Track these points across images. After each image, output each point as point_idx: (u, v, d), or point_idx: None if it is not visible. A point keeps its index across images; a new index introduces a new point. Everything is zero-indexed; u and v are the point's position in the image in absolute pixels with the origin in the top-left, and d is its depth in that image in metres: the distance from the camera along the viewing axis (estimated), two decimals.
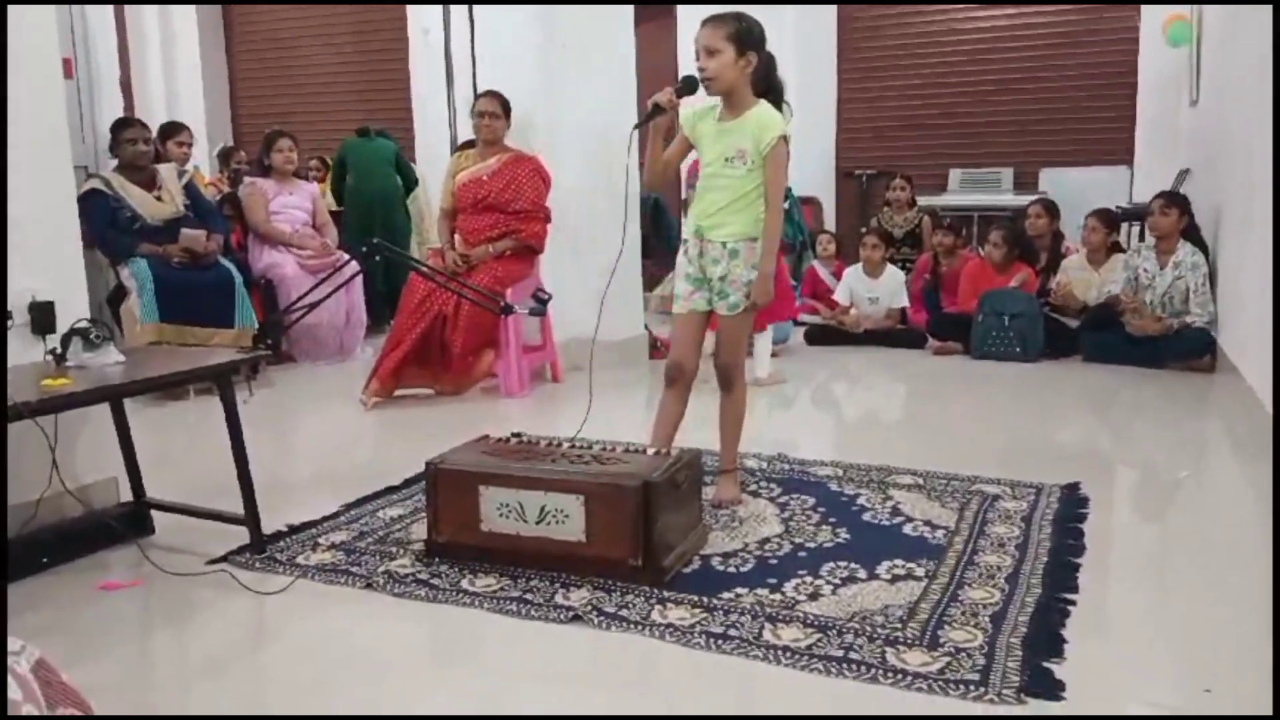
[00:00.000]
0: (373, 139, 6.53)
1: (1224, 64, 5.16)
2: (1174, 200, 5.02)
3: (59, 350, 2.51)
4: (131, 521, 2.74)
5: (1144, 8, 7.15)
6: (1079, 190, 6.73)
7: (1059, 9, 7.56)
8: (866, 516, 2.83)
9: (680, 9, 7.07)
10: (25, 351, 2.60)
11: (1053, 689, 1.88)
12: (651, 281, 6.57)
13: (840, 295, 5.92)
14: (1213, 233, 5.09)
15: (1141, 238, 5.21)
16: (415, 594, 2.36)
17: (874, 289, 5.82)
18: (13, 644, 1.03)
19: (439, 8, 7.86)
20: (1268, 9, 3.76)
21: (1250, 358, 4.20)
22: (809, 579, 2.40)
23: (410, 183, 6.64)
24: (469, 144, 4.89)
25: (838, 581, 2.38)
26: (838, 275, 6.31)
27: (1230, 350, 4.62)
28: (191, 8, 9.36)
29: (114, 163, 4.76)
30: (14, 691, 0.98)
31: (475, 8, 5.06)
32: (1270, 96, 3.37)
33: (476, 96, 4.70)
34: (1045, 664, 1.97)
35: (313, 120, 8.82)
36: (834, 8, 8.22)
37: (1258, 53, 4.03)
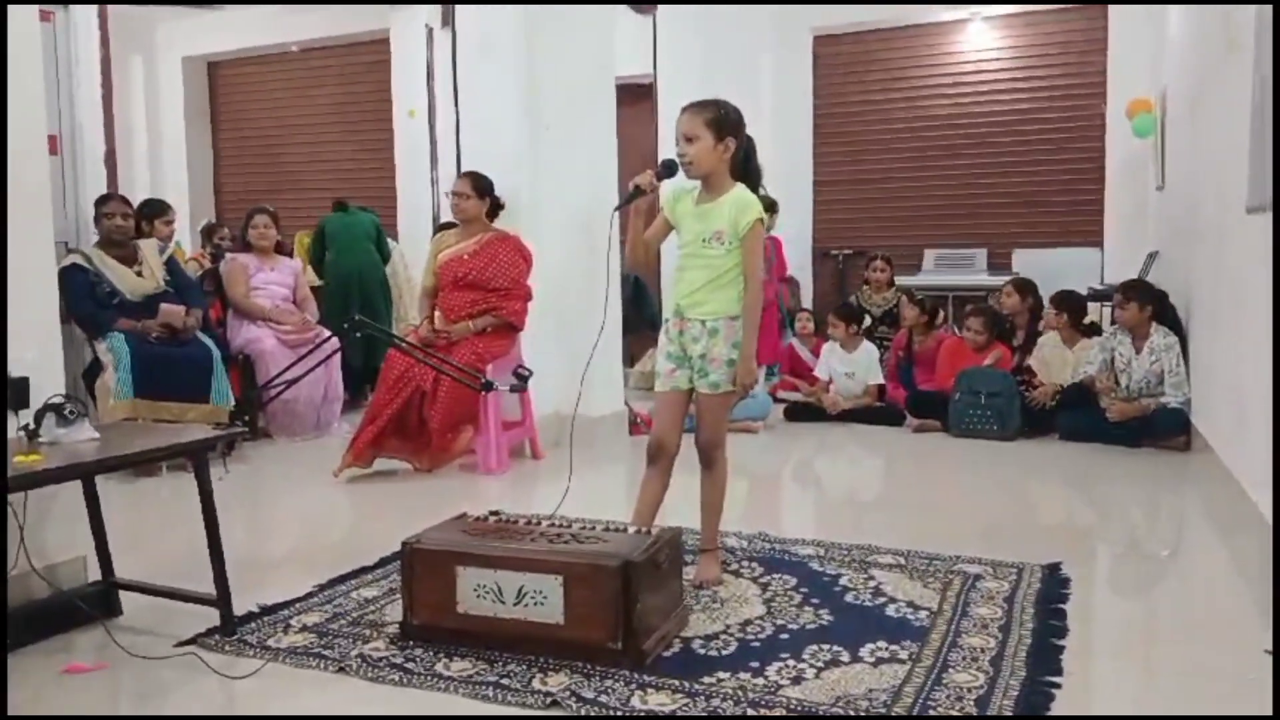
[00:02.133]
0: (351, 213, 6.57)
1: (1188, 151, 5.32)
2: (1132, 294, 5.06)
3: (32, 426, 2.47)
4: (99, 602, 2.68)
5: (1110, 97, 7.39)
6: (1051, 271, 6.85)
7: (1029, 93, 7.80)
8: (849, 597, 2.80)
9: (660, 93, 7.23)
10: None
11: None
12: (632, 358, 6.60)
13: (820, 371, 5.96)
14: (1184, 313, 5.18)
15: (1113, 321, 5.28)
16: (389, 678, 2.31)
17: (849, 364, 5.87)
18: None
19: (424, 88, 8.02)
20: (1229, 93, 3.90)
21: (1225, 437, 4.25)
22: (792, 662, 2.36)
23: (384, 255, 6.64)
24: (450, 225, 4.94)
25: (820, 664, 2.35)
26: (816, 353, 6.37)
27: (1205, 429, 4.66)
28: (179, 85, 9.49)
29: (95, 238, 4.76)
30: None
31: (460, 88, 5.16)
32: (1246, 178, 3.47)
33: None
34: None
35: (297, 198, 8.90)
36: (810, 94, 8.44)
37: (1219, 139, 4.16)
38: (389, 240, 6.87)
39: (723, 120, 2.80)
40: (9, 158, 2.65)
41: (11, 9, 2.68)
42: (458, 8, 5.16)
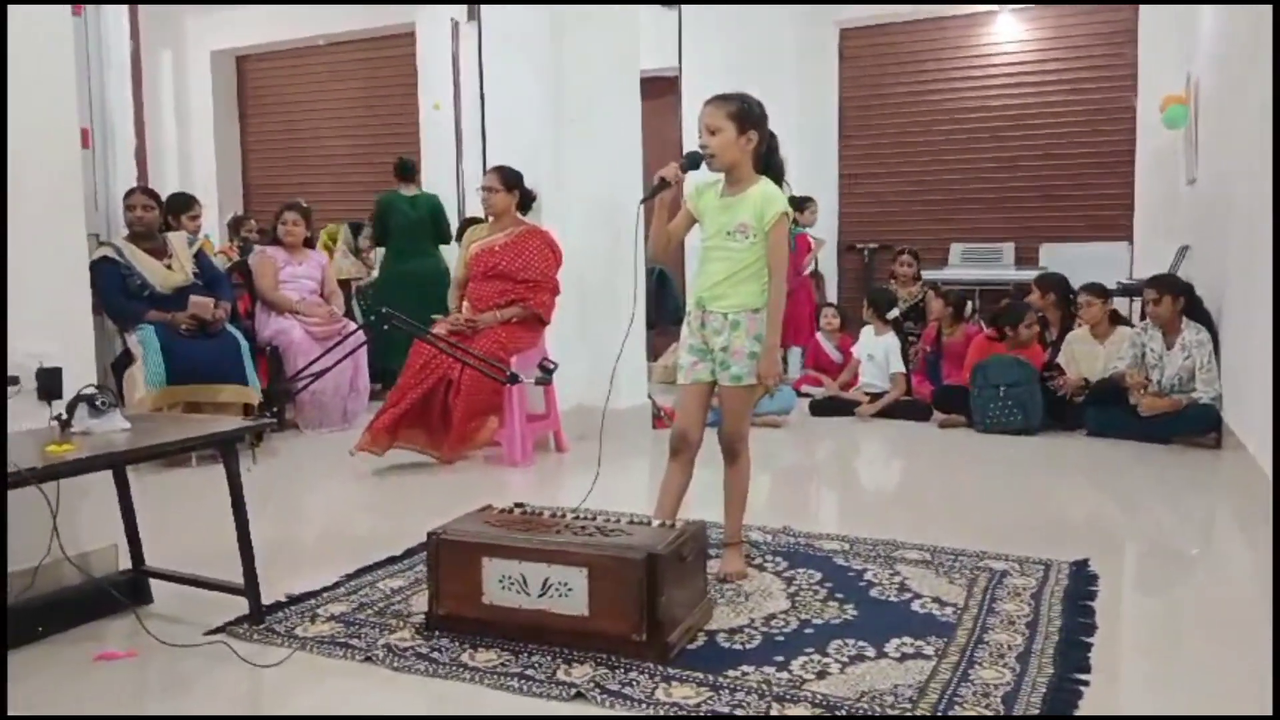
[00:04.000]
0: (415, 196, 6.44)
1: (1221, 144, 5.24)
2: (1164, 287, 5.01)
3: (64, 416, 2.51)
4: (130, 590, 2.71)
5: (1140, 90, 7.30)
6: (1079, 265, 6.78)
7: (1058, 85, 7.71)
8: (874, 592, 2.79)
9: (685, 87, 7.21)
10: (31, 417, 2.59)
11: None
12: (655, 352, 6.60)
13: (855, 350, 6.12)
14: (1216, 308, 5.11)
15: (1143, 316, 5.22)
16: (415, 668, 2.32)
17: (873, 347, 5.91)
18: None
19: (449, 82, 8.05)
20: (1261, 85, 3.84)
21: (1256, 434, 4.19)
22: (816, 657, 2.35)
23: (444, 238, 6.49)
24: (474, 220, 4.95)
25: (845, 659, 2.34)
26: (841, 348, 6.37)
27: (1236, 426, 4.60)
28: (207, 79, 9.58)
29: (126, 230, 4.82)
30: None
31: (486, 81, 5.17)
32: (1270, 175, 3.42)
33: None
34: None
35: (324, 190, 8.96)
36: (835, 88, 8.39)
37: (1252, 132, 4.10)
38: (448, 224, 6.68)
39: (745, 113, 2.80)
40: (42, 150, 2.69)
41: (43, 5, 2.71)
42: (483, 1, 5.17)
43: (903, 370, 5.87)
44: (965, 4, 7.87)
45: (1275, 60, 2.98)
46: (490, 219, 4.78)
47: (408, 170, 6.64)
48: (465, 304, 4.69)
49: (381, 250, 6.70)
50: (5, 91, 2.53)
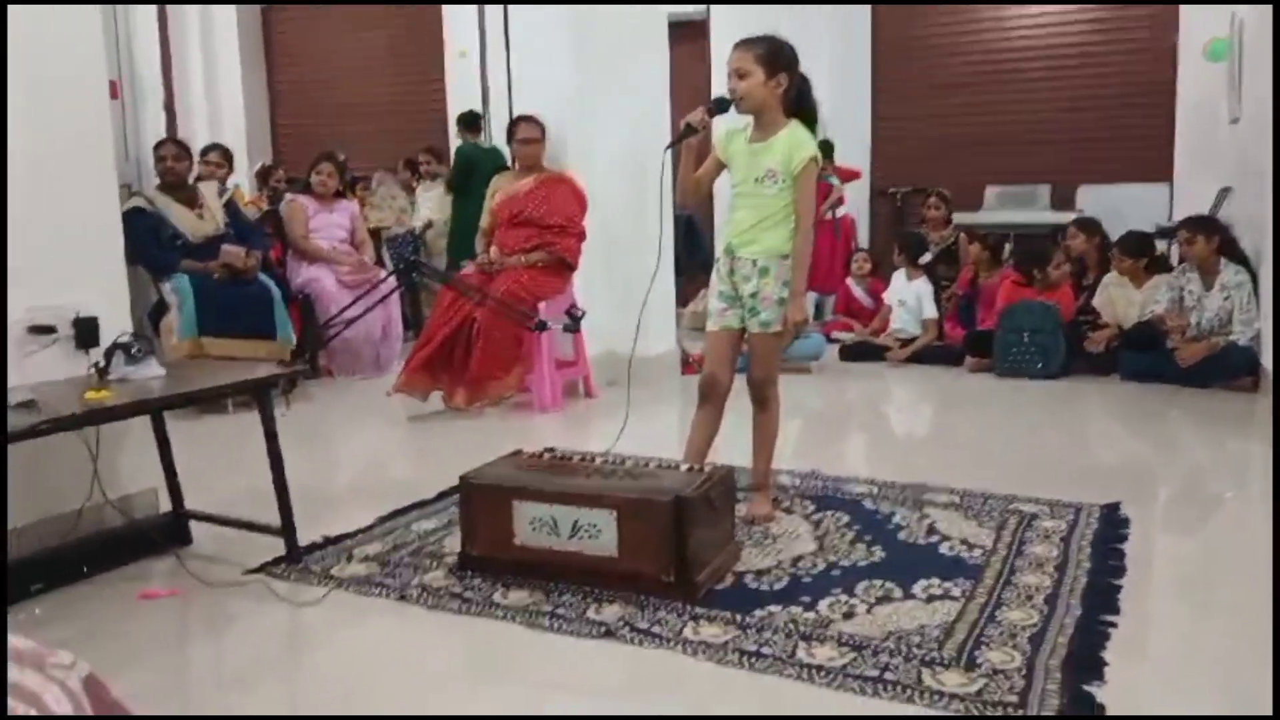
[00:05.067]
0: (490, 147, 6.56)
1: (1265, 82, 5.09)
2: (1197, 227, 4.92)
3: (101, 364, 2.55)
4: (170, 532, 2.78)
5: (1183, 24, 7.08)
6: (1118, 207, 6.65)
7: (1096, 24, 7.50)
8: (902, 535, 2.80)
9: (714, 31, 7.10)
10: (69, 365, 2.64)
11: (1093, 712, 1.85)
12: (685, 298, 6.58)
13: (887, 296, 6.08)
14: (1256, 249, 5.00)
15: (1181, 260, 5.13)
16: (448, 607, 2.37)
17: (904, 292, 5.88)
18: (64, 658, 1.05)
19: (475, 29, 7.97)
20: None
21: None
22: (844, 598, 2.37)
23: None
24: (502, 168, 4.93)
25: (873, 601, 2.36)
26: (873, 292, 6.33)
27: (1275, 368, 4.53)
28: (234, 30, 9.55)
29: (157, 181, 4.86)
30: (63, 706, 0.99)
31: (511, 30, 5.12)
32: None
33: (515, 120, 4.74)
34: (1086, 687, 1.93)
35: (351, 139, 8.94)
36: (868, 30, 8.22)
37: None
38: None
39: (775, 55, 2.75)
40: (72, 101, 2.71)
41: None
42: None
43: (935, 315, 5.83)
44: None
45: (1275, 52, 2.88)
46: (519, 167, 4.75)
47: (475, 121, 6.88)
48: (493, 249, 4.69)
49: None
50: (5, 85, 2.53)
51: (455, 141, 7.45)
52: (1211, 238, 4.85)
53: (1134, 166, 7.40)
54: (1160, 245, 5.86)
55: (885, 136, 8.32)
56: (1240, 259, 4.92)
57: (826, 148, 6.74)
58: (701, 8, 7.04)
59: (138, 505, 2.87)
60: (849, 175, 7.23)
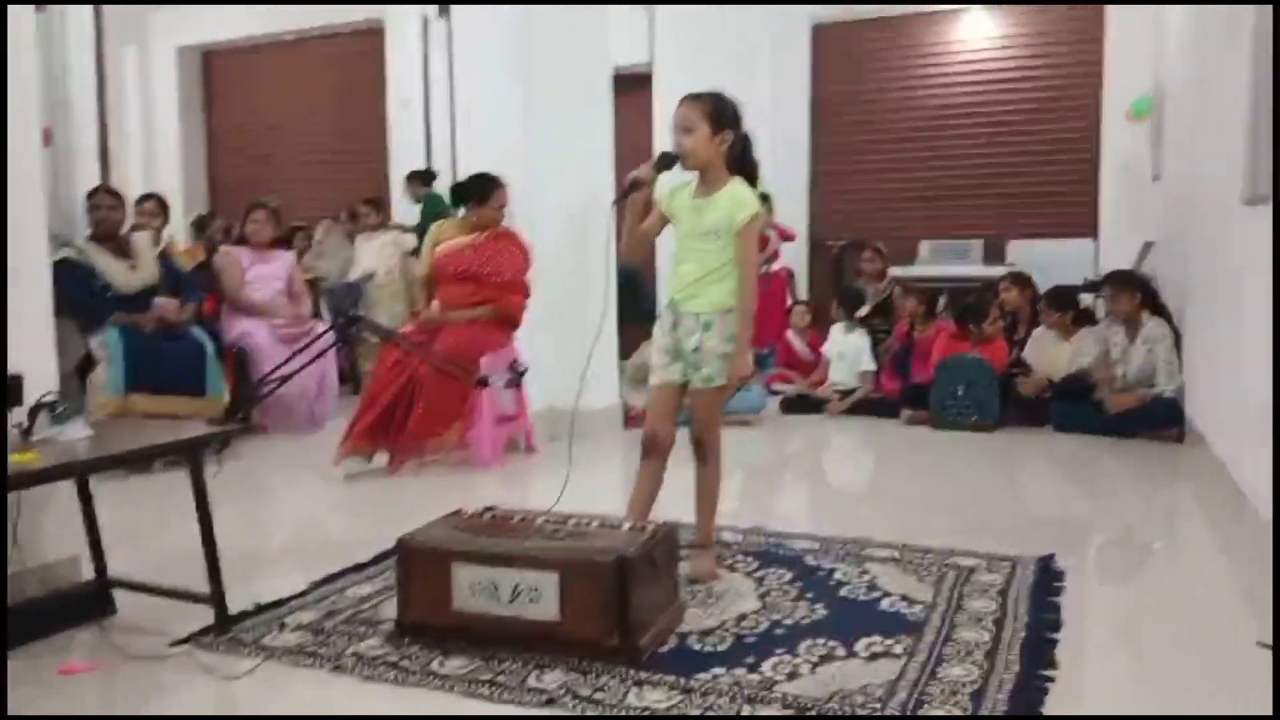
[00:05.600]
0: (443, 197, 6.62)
1: (1185, 142, 5.31)
2: (1121, 283, 5.10)
3: (25, 425, 2.46)
4: (93, 601, 2.67)
5: (1105, 85, 7.38)
6: (1047, 261, 6.85)
7: (1026, 85, 7.78)
8: (844, 591, 2.81)
9: (656, 85, 7.21)
10: None
11: None
12: (626, 351, 6.59)
13: (825, 349, 6.16)
14: (1180, 303, 5.18)
15: (1107, 312, 5.29)
16: (384, 677, 2.30)
17: (842, 345, 5.99)
18: None
19: (419, 79, 8.00)
20: (1227, 85, 3.89)
21: (1219, 429, 4.25)
22: (787, 657, 2.36)
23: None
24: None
25: (816, 659, 2.35)
26: (812, 344, 6.40)
27: (1199, 421, 4.67)
28: (173, 75, 9.46)
29: (88, 231, 4.75)
30: None
31: (456, 79, 5.13)
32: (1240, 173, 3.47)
33: (491, 184, 4.60)
34: None
35: (290, 189, 8.86)
36: (807, 85, 8.42)
37: (1217, 131, 4.16)
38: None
39: (720, 111, 2.80)
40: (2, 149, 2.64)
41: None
42: None
43: (872, 368, 5.92)
44: (936, 2, 7.92)
45: (1276, 52, 3.01)
46: (476, 226, 4.67)
47: (432, 177, 7.09)
48: (435, 304, 4.65)
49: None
50: (5, 89, 2.47)
51: (396, 192, 7.44)
52: (1134, 293, 5.01)
53: (1062, 222, 7.67)
54: (1087, 299, 6.04)
55: (823, 191, 8.50)
56: (1162, 312, 5.08)
57: (765, 200, 6.85)
58: (646, 59, 7.15)
59: (60, 573, 2.75)
60: (785, 236, 7.33)
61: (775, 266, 7.25)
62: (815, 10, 8.27)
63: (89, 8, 5.29)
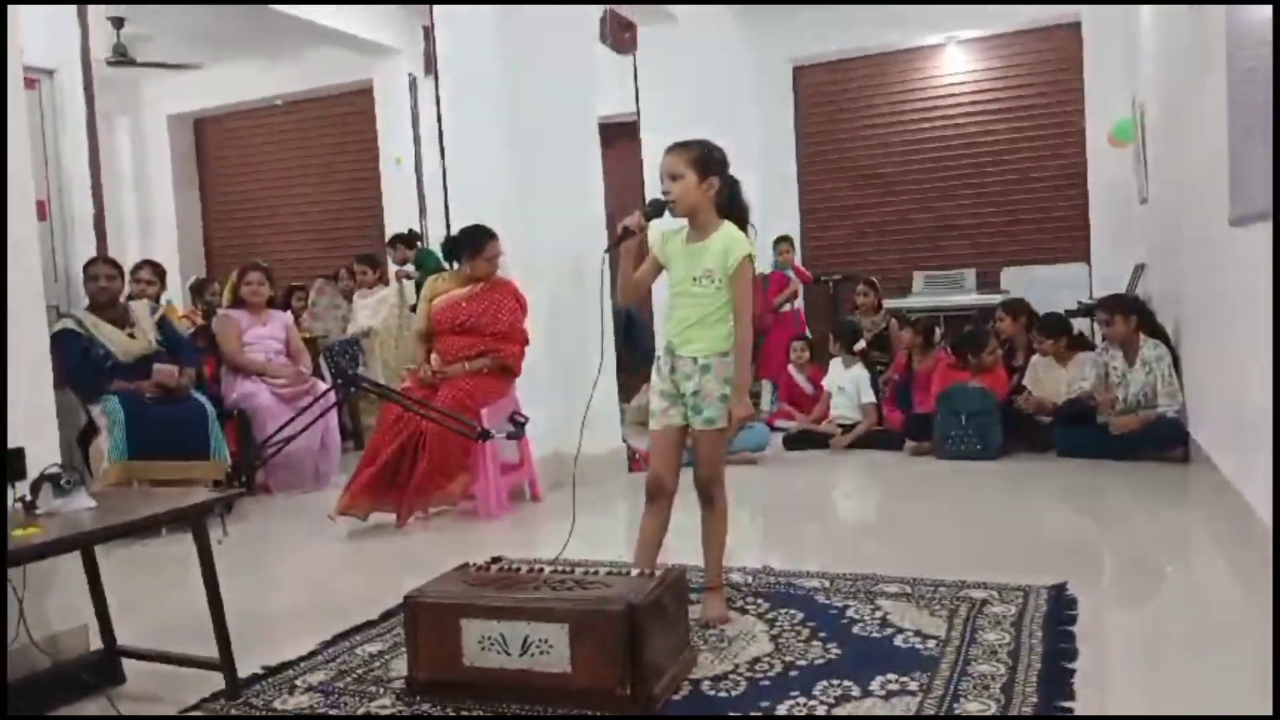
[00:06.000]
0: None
1: (1169, 164, 5.36)
2: (1115, 308, 5.12)
3: (29, 498, 2.46)
4: (102, 671, 2.65)
5: (1087, 111, 7.48)
6: (1041, 287, 6.90)
7: (1009, 116, 7.88)
8: (856, 629, 2.79)
9: (643, 132, 7.30)
10: None
11: None
12: (627, 394, 6.61)
13: (826, 382, 6.17)
14: (1175, 323, 5.20)
15: (1103, 336, 5.31)
16: None
17: (844, 379, 5.96)
18: None
19: (409, 136, 8.10)
20: (1206, 106, 3.94)
21: (1222, 447, 4.24)
22: (802, 700, 2.34)
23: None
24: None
25: (831, 701, 2.33)
26: (812, 379, 6.41)
27: (1202, 440, 4.66)
28: (165, 143, 9.57)
29: (86, 301, 4.77)
30: None
31: (445, 135, 5.19)
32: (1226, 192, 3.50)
33: (483, 237, 4.64)
34: None
35: (287, 251, 8.93)
36: (792, 125, 8.53)
37: (1199, 152, 4.20)
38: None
39: (706, 159, 2.83)
40: None
41: None
42: (440, 55, 5.21)
43: (873, 400, 5.92)
44: (913, 37, 8.05)
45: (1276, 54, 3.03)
46: (472, 277, 4.70)
47: (416, 238, 7.29)
48: (434, 357, 4.67)
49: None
50: (4, 97, 2.49)
51: (390, 251, 7.48)
52: (1129, 317, 5.04)
53: (1054, 248, 7.73)
54: (1081, 323, 6.07)
55: (815, 227, 8.58)
56: (1159, 334, 5.10)
57: (785, 240, 7.15)
58: (631, 108, 7.25)
59: (67, 644, 2.73)
60: (803, 278, 7.50)
61: (795, 304, 7.42)
62: (796, 51, 8.40)
63: (79, 80, 5.35)
